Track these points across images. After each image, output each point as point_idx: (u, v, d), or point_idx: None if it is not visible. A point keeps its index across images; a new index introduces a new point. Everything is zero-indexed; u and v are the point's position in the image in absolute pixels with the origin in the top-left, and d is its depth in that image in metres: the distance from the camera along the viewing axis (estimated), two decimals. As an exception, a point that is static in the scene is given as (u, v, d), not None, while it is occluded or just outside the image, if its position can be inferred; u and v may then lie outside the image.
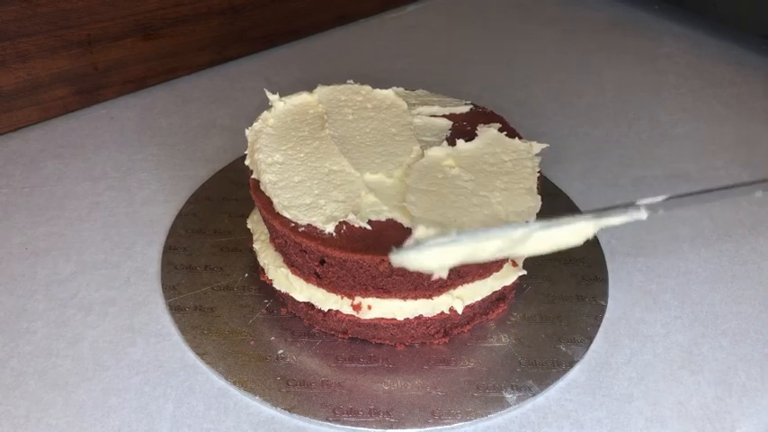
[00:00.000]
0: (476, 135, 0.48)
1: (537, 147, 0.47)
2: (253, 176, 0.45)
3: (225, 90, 0.71)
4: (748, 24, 0.81)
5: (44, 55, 0.61)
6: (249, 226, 0.49)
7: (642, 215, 0.38)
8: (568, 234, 0.39)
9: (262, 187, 0.44)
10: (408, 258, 0.37)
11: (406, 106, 0.50)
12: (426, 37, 0.84)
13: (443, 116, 0.50)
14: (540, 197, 0.44)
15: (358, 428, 0.40)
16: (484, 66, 0.78)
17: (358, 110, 0.50)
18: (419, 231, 0.37)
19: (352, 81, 0.52)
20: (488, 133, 0.48)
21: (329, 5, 0.81)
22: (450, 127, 0.49)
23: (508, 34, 0.85)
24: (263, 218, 0.44)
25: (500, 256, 0.37)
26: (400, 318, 0.43)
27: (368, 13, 0.85)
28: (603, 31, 0.87)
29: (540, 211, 0.43)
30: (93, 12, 0.62)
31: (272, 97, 0.50)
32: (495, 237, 0.37)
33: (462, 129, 0.49)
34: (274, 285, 0.46)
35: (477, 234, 0.37)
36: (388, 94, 0.51)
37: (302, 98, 0.50)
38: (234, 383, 0.42)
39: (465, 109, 0.51)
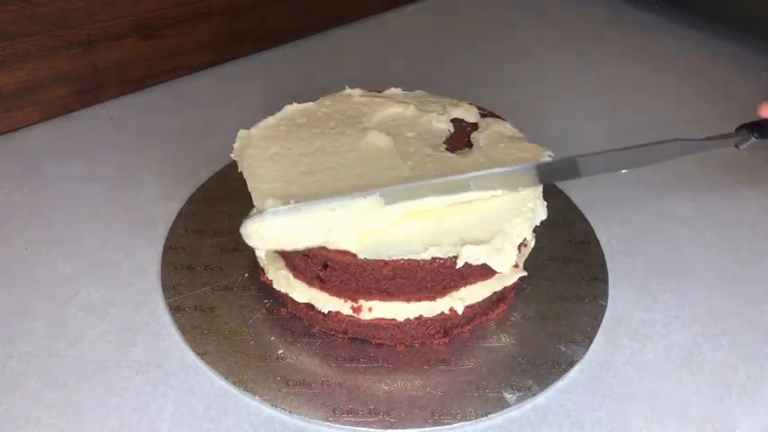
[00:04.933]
0: (478, 136, 0.48)
1: (545, 155, 0.47)
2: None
3: (225, 90, 0.71)
4: (748, 24, 0.81)
5: (44, 55, 0.61)
6: (249, 226, 0.49)
7: (497, 192, 0.42)
8: (419, 207, 0.41)
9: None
10: (252, 230, 0.39)
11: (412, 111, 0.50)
12: (426, 37, 0.84)
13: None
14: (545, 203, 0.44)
15: (358, 428, 0.40)
16: (484, 66, 0.78)
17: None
18: (266, 203, 0.40)
19: (347, 87, 0.52)
20: (495, 128, 0.48)
21: (329, 5, 0.81)
22: (449, 129, 0.49)
23: (508, 34, 0.85)
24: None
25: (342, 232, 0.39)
26: (400, 318, 0.43)
27: (368, 13, 0.85)
28: (603, 31, 0.87)
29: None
30: (93, 12, 0.62)
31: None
32: (338, 206, 0.39)
33: (462, 130, 0.49)
34: (274, 286, 0.46)
35: (319, 204, 0.39)
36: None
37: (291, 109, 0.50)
38: (234, 383, 0.42)
39: (471, 117, 0.51)
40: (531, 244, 0.48)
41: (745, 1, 0.79)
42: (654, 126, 0.69)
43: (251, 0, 0.73)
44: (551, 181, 0.45)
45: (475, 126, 0.50)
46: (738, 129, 0.45)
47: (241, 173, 0.45)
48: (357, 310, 0.43)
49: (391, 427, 0.40)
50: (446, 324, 0.45)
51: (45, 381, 0.42)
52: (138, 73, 0.68)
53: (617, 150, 0.45)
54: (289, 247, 0.40)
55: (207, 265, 0.50)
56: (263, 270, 0.47)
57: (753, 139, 0.44)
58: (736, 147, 0.45)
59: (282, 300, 0.47)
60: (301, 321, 0.46)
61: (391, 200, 0.40)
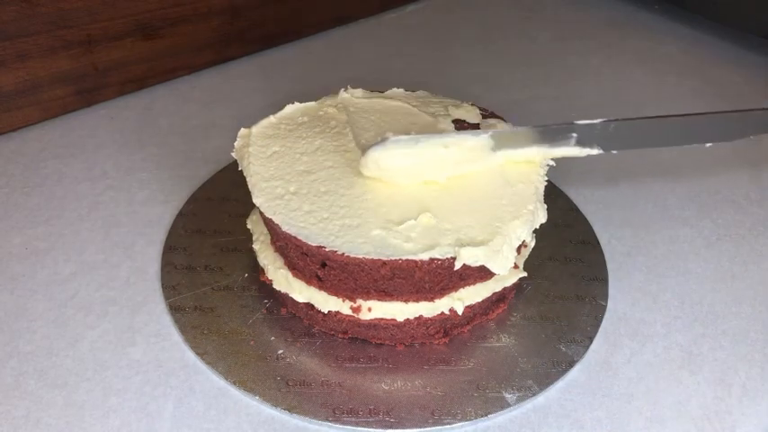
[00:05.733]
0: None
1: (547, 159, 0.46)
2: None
3: (225, 90, 0.71)
4: (748, 24, 0.81)
5: (44, 55, 0.61)
6: (249, 226, 0.49)
7: (593, 151, 0.44)
8: (520, 156, 0.44)
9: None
10: (374, 157, 0.42)
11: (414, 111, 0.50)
12: (426, 37, 0.84)
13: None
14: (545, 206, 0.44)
15: (358, 428, 0.40)
16: (484, 66, 0.78)
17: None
18: (387, 135, 0.42)
19: (349, 86, 0.52)
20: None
21: (329, 5, 0.81)
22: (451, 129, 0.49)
23: (508, 34, 0.85)
24: (264, 221, 0.44)
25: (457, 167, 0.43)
26: (400, 318, 0.43)
27: (368, 13, 0.85)
28: (603, 31, 0.87)
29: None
30: (93, 12, 0.62)
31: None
32: (451, 143, 0.42)
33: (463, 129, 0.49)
34: (274, 286, 0.46)
35: (433, 138, 0.42)
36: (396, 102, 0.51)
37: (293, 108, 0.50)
38: (234, 383, 0.42)
39: (473, 117, 0.51)
40: (531, 244, 0.48)
41: (745, 1, 0.79)
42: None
43: (251, 0, 0.73)
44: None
45: (476, 127, 0.50)
46: None
47: (241, 171, 0.45)
48: (356, 310, 0.43)
49: (391, 427, 0.40)
50: (446, 324, 0.45)
51: (45, 381, 0.42)
52: (138, 73, 0.68)
53: (692, 115, 0.45)
54: (401, 180, 0.42)
55: (207, 265, 0.50)
56: (262, 270, 0.47)
57: None
58: None
59: (282, 300, 0.47)
60: (301, 321, 0.46)
61: (498, 146, 0.43)
